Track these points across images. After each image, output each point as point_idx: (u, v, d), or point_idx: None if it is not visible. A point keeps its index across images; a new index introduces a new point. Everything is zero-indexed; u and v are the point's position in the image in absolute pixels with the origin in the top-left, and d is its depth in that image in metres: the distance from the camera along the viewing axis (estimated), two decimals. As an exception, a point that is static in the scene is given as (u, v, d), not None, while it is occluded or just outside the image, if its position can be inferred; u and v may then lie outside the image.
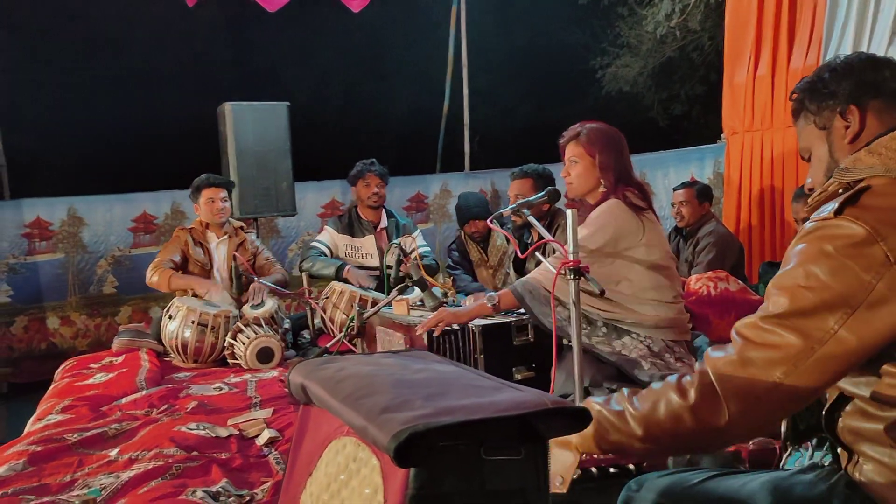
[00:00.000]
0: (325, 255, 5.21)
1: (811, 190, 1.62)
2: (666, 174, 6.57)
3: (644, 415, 1.43)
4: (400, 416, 1.26)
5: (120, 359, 4.46)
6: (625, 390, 1.51)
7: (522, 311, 3.21)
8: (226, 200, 5.00)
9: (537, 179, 4.46)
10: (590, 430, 1.49)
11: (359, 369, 1.50)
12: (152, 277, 4.79)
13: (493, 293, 3.21)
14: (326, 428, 1.53)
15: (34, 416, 3.58)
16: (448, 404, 1.31)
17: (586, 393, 2.89)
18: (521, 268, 4.38)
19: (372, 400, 1.34)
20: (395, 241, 3.88)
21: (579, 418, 1.36)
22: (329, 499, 1.46)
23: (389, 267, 4.31)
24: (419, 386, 1.39)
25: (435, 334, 3.16)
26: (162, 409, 3.45)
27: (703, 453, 2.15)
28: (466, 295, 4.81)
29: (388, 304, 3.62)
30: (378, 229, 5.39)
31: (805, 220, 1.46)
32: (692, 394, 1.39)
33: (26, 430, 3.39)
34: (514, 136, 10.79)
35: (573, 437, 1.50)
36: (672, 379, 1.45)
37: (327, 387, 1.46)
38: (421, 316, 3.53)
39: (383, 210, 5.47)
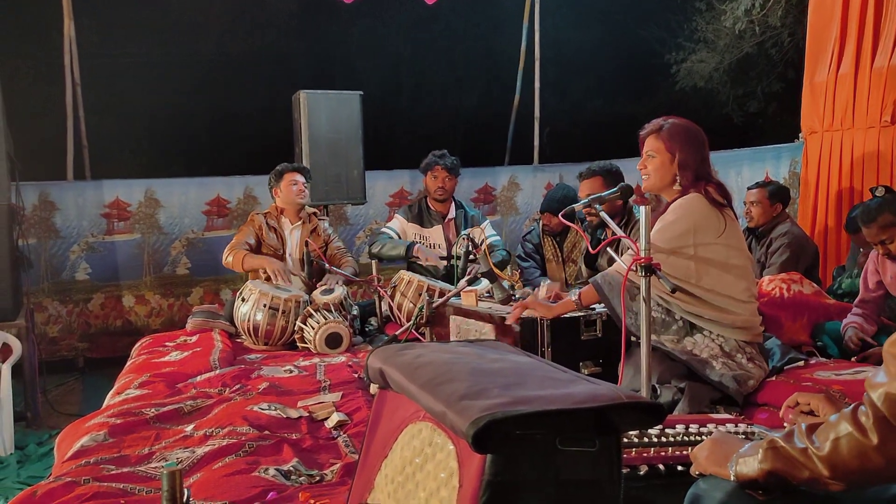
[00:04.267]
0: (394, 239, 5.32)
1: None
2: (739, 172, 6.47)
3: (828, 456, 1.40)
4: (478, 404, 1.29)
5: (194, 338, 4.59)
6: (803, 425, 1.48)
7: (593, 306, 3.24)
8: (306, 185, 5.15)
9: (607, 177, 4.43)
10: (779, 464, 1.47)
11: (437, 356, 1.54)
12: (227, 258, 4.95)
13: (576, 290, 3.25)
14: (403, 412, 1.57)
15: (113, 390, 3.71)
16: (525, 394, 1.34)
17: (653, 390, 2.89)
18: (592, 263, 4.37)
19: (451, 387, 1.38)
20: (464, 232, 3.90)
21: (653, 413, 1.38)
22: (404, 480, 1.50)
23: (458, 257, 4.34)
24: (496, 375, 1.43)
25: (507, 322, 3.21)
26: (234, 388, 3.54)
27: None
28: (533, 289, 4.83)
29: (457, 294, 3.66)
30: (446, 220, 5.44)
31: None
32: (872, 433, 1.35)
33: (105, 403, 3.53)
34: (584, 130, 10.73)
35: (757, 475, 1.48)
36: (847, 411, 1.42)
37: (406, 372, 1.50)
38: (489, 308, 3.56)
39: (452, 201, 5.52)
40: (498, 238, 5.57)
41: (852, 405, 1.42)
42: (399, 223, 5.44)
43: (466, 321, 3.63)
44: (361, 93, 6.28)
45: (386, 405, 1.71)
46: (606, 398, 1.33)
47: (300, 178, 5.13)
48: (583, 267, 4.59)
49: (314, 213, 5.33)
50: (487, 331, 3.43)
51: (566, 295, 3.45)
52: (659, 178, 3.15)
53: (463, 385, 1.39)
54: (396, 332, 3.58)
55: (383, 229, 5.45)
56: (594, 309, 3.32)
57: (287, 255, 5.10)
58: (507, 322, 3.25)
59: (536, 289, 3.97)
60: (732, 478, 1.52)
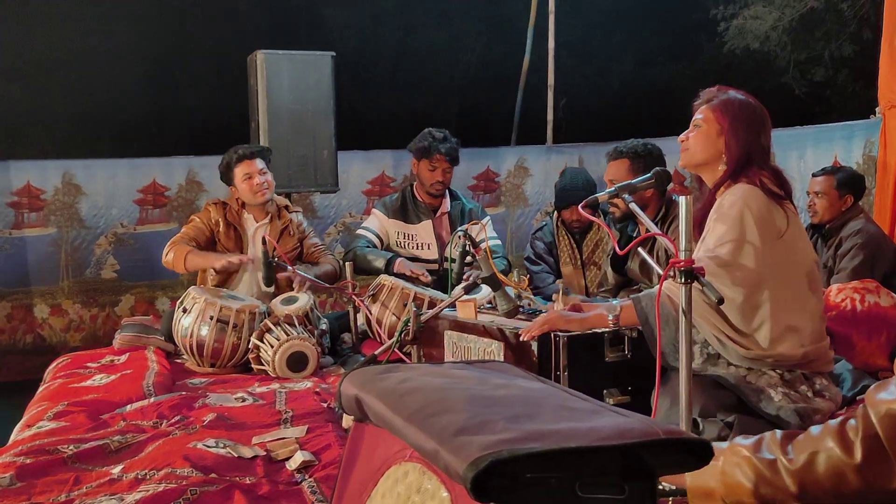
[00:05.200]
0: (374, 248, 5.27)
1: None
2: (802, 156, 6.49)
3: (799, 469, 1.44)
4: (479, 440, 1.29)
5: (123, 358, 4.57)
6: (777, 432, 1.52)
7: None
8: (266, 172, 5.06)
9: (635, 160, 4.42)
10: (739, 478, 1.51)
11: (427, 381, 1.54)
12: (167, 255, 4.92)
13: (614, 302, 3.24)
14: (385, 451, 1.57)
15: (21, 422, 3.69)
16: (537, 428, 1.34)
17: (695, 425, 2.89)
18: (620, 267, 4.37)
19: (444, 419, 1.38)
20: (460, 229, 3.91)
21: (697, 452, 1.39)
22: (386, 536, 1.50)
23: (452, 260, 4.33)
24: (502, 404, 1.43)
25: (523, 338, 3.24)
26: (174, 420, 3.52)
27: None
28: (545, 299, 4.83)
29: (452, 304, 3.65)
30: (438, 214, 5.43)
31: None
32: (857, 450, 1.40)
33: (12, 438, 3.50)
34: (610, 102, 10.74)
35: (717, 486, 1.52)
36: (834, 423, 1.45)
37: (389, 401, 1.50)
38: (492, 321, 3.56)
39: (447, 191, 5.50)
40: (498, 242, 5.56)
41: (839, 418, 1.45)
42: (377, 221, 5.42)
43: (465, 337, 3.63)
44: (333, 54, 6.26)
45: (363, 442, 1.71)
46: (639, 433, 1.33)
47: (255, 165, 5.06)
48: (609, 272, 4.59)
49: (286, 206, 5.29)
50: (494, 350, 3.43)
51: (592, 309, 3.44)
52: (699, 151, 3.17)
53: (460, 417, 1.39)
54: (376, 352, 3.58)
55: (360, 231, 5.43)
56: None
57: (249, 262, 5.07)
58: (524, 338, 3.25)
59: (550, 302, 3.98)
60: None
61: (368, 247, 5.28)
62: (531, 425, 1.35)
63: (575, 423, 1.37)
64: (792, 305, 3.01)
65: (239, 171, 5.01)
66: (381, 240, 5.35)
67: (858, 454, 1.41)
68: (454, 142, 5.38)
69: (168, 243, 4.97)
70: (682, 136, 3.23)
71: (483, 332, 3.56)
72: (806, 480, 1.44)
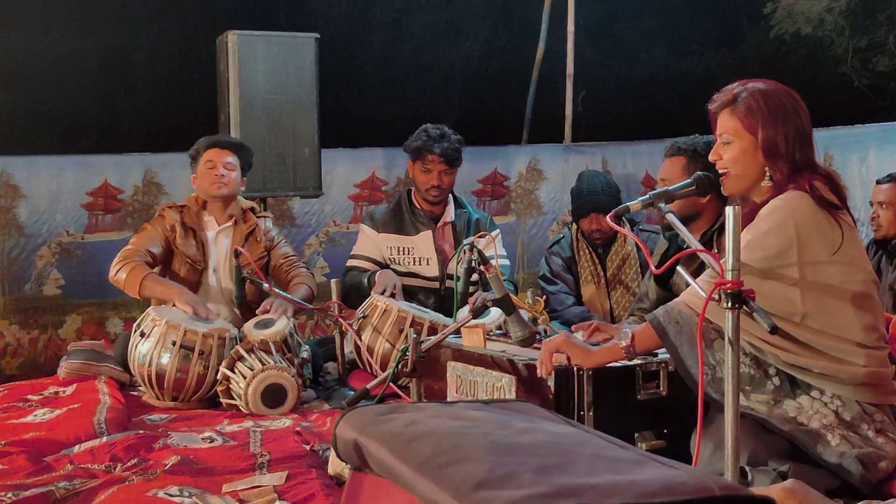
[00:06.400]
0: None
1: None
2: (864, 159, 6.48)
3: None
4: (503, 495, 1.28)
5: (69, 390, 4.56)
6: None
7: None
8: (233, 169, 5.09)
9: (693, 160, 4.38)
10: None
11: (439, 424, 1.53)
12: (118, 274, 4.88)
13: (626, 329, 3.22)
14: (388, 506, 1.56)
15: (-50, 464, 3.68)
16: (571, 481, 1.33)
17: (742, 475, 2.88)
18: (665, 282, 4.32)
19: (461, 469, 1.37)
20: (466, 242, 3.89)
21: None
22: None
23: (457, 277, 4.30)
24: (527, 452, 1.42)
25: (540, 374, 3.22)
26: (130, 464, 3.49)
27: None
28: (563, 323, 4.82)
29: (457, 330, 3.64)
30: (439, 224, 5.42)
31: None
32: None
33: (-60, 483, 3.50)
34: (638, 95, 10.74)
35: None
36: None
37: (394, 447, 1.49)
38: (504, 352, 3.55)
39: (450, 198, 5.49)
40: (507, 262, 5.55)
41: None
42: (368, 241, 5.40)
43: (471, 370, 3.61)
44: (317, 36, 6.27)
45: (362, 495, 1.71)
46: (691, 489, 1.33)
47: (224, 156, 5.06)
48: (650, 285, 4.53)
49: (252, 208, 5.29)
50: (505, 384, 3.41)
51: (611, 332, 3.43)
52: (739, 174, 3.16)
53: (480, 467, 1.38)
54: (368, 386, 3.56)
55: (351, 260, 5.40)
56: (656, 354, 3.31)
57: (210, 271, 5.07)
58: (540, 374, 3.23)
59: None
60: None
61: (364, 271, 5.23)
62: (563, 478, 1.34)
63: (614, 475, 1.36)
64: (848, 328, 3.00)
65: (205, 157, 5.05)
66: (379, 265, 5.31)
67: None
68: (454, 140, 5.36)
69: (118, 257, 4.94)
70: (712, 154, 3.22)
71: (491, 363, 3.54)
72: None
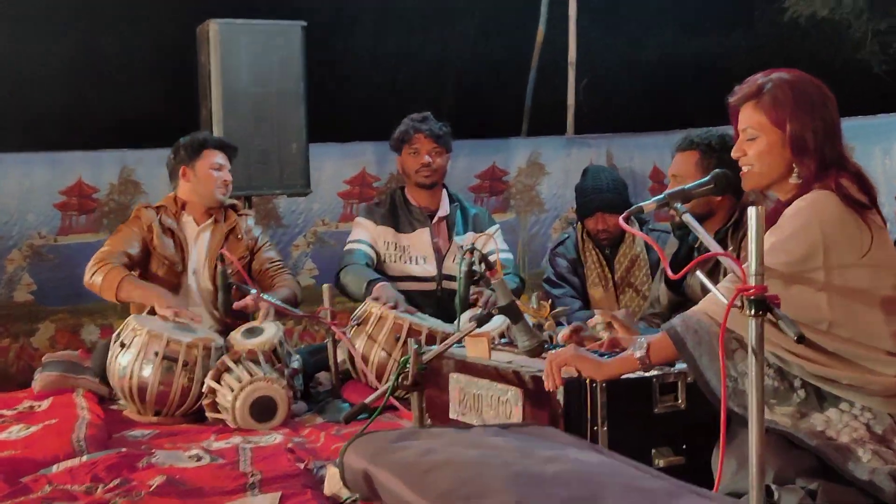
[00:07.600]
0: (369, 265, 5.24)
1: None
2: (888, 151, 6.46)
3: None
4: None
5: (45, 404, 4.55)
6: None
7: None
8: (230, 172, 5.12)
9: (707, 155, 4.36)
10: None
11: (457, 454, 1.50)
12: (94, 277, 4.89)
13: (641, 338, 3.19)
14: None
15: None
16: (603, 518, 1.31)
17: (768, 494, 2.87)
18: (677, 286, 4.29)
19: (483, 505, 1.34)
20: (462, 242, 3.88)
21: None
22: None
23: (455, 279, 4.29)
24: (554, 484, 1.39)
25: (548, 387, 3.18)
26: (112, 485, 3.47)
27: None
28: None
29: (459, 340, 3.61)
30: (435, 220, 5.42)
31: None
32: None
33: None
34: (646, 82, 10.70)
35: None
36: None
37: (409, 479, 1.46)
38: (510, 363, 3.52)
39: (443, 191, 5.49)
40: (510, 255, 5.54)
41: None
42: (366, 231, 5.41)
43: (475, 382, 3.59)
44: (304, 24, 6.27)
45: (370, 529, 1.68)
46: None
47: (227, 160, 5.07)
48: (661, 289, 4.52)
49: (233, 206, 5.27)
50: (511, 398, 3.38)
51: (628, 338, 3.41)
52: (765, 170, 3.14)
53: (503, 500, 1.36)
54: (367, 400, 3.53)
55: (350, 245, 5.40)
56: (673, 364, 3.29)
57: (190, 273, 5.07)
58: (548, 387, 3.20)
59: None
60: None
61: (367, 264, 5.24)
62: (594, 514, 1.32)
63: (648, 509, 1.34)
64: (878, 336, 2.98)
65: (208, 159, 5.04)
66: (377, 253, 5.31)
67: None
68: (440, 124, 5.44)
69: (92, 260, 4.94)
70: (735, 150, 3.20)
71: (496, 374, 3.51)
72: None
